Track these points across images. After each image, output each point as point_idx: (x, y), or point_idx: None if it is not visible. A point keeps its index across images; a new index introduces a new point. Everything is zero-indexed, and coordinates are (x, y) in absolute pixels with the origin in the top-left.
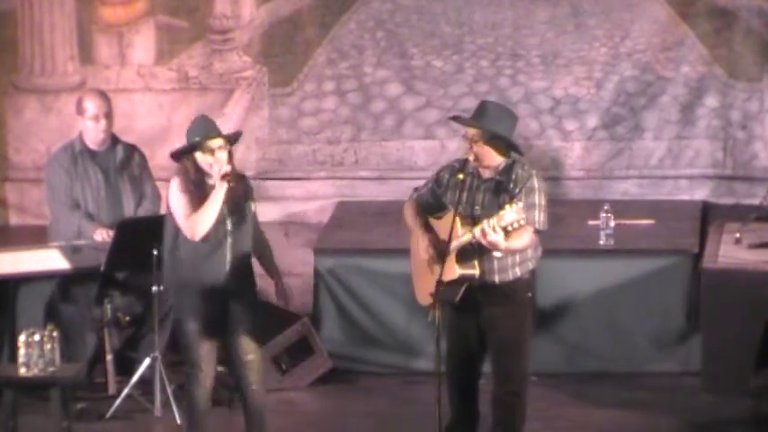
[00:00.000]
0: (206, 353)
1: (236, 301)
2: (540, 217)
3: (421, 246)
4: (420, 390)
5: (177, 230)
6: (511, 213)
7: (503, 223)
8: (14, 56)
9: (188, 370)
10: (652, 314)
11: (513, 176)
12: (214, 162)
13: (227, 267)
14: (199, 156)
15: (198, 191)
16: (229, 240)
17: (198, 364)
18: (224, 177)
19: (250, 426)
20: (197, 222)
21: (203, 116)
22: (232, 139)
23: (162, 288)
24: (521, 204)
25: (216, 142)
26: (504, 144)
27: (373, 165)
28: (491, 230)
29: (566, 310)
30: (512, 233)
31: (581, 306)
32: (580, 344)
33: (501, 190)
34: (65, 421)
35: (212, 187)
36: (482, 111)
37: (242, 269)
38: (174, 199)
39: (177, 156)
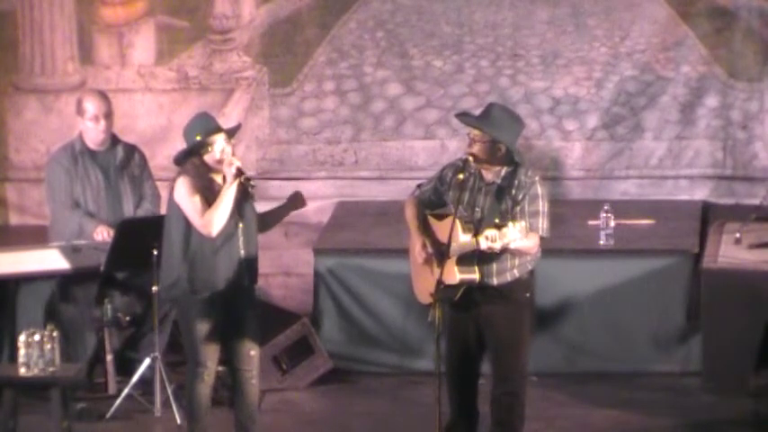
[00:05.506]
0: (212, 351)
1: (243, 297)
2: (543, 224)
3: (415, 248)
4: (420, 390)
5: (188, 229)
6: (513, 232)
7: (505, 240)
8: (14, 56)
9: (192, 367)
10: (652, 314)
11: (516, 182)
12: (225, 160)
13: (241, 263)
14: (205, 155)
15: (206, 189)
16: (241, 237)
17: (204, 362)
18: (238, 173)
19: (243, 419)
20: (213, 219)
21: (201, 114)
22: (232, 133)
23: (162, 286)
24: (524, 224)
25: (219, 138)
26: (503, 150)
27: (373, 165)
28: (490, 242)
29: (566, 310)
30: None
31: (581, 306)
32: (580, 344)
33: (503, 195)
34: (65, 421)
35: (220, 185)
36: (487, 114)
37: (252, 266)
38: (185, 198)
39: (181, 159)
